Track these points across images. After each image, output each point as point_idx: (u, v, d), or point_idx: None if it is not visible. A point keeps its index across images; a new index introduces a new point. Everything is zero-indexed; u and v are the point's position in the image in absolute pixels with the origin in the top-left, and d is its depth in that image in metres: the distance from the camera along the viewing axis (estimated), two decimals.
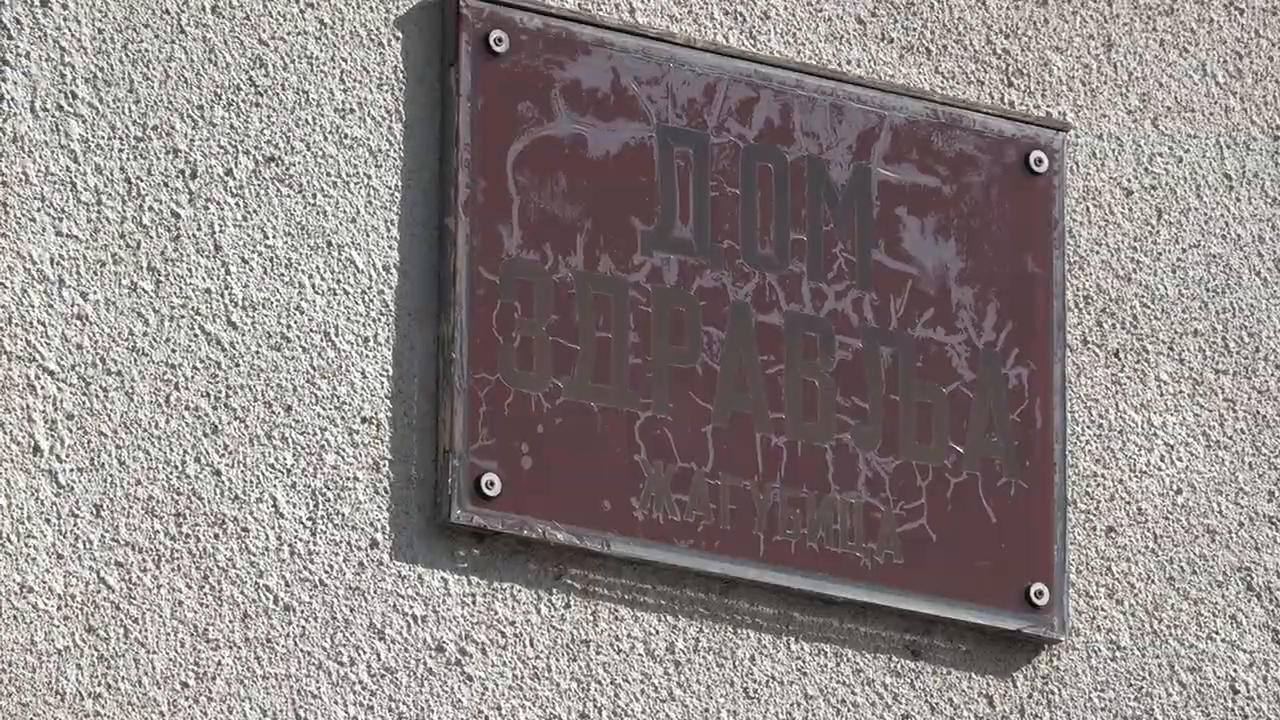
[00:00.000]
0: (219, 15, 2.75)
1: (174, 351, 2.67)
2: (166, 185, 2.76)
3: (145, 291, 2.71)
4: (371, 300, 2.79)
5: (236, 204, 2.77)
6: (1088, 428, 3.06)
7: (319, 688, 2.62)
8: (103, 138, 2.70)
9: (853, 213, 3.00)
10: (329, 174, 2.84)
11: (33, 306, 2.65)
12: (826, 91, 2.96)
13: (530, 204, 2.80)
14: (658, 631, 2.77)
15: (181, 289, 2.67)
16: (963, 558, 2.85)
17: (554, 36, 2.90)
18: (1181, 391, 3.19)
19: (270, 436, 2.69)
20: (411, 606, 2.69)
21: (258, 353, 2.71)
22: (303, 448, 2.70)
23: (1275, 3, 3.63)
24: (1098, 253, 3.14)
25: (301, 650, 2.64)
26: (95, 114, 2.72)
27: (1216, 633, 3.13)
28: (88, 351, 2.74)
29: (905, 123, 3.00)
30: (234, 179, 2.74)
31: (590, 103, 2.88)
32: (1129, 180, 3.27)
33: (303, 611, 2.65)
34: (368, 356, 2.74)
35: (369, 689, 2.60)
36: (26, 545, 2.59)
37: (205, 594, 2.61)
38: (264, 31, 2.77)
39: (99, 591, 2.63)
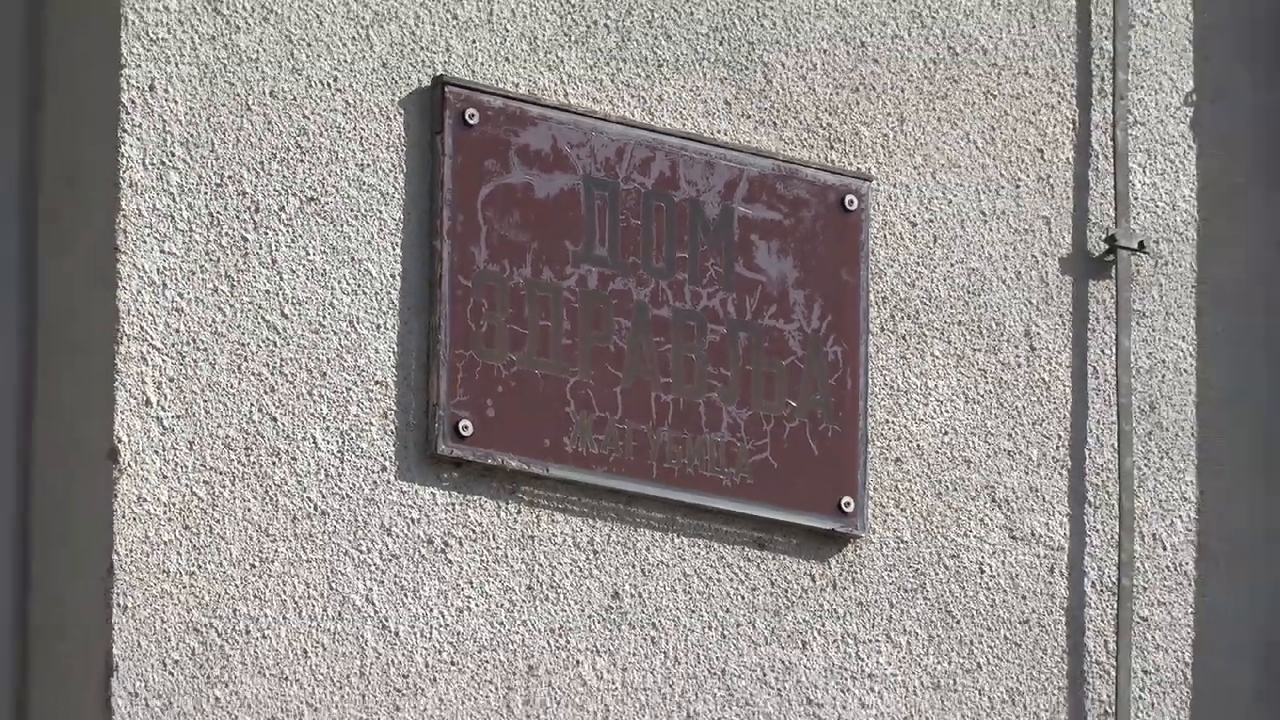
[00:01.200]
0: (275, 97, 3.24)
1: (243, 334, 3.20)
2: (238, 218, 3.26)
3: (223, 293, 3.21)
4: (382, 299, 3.33)
5: (287, 231, 3.31)
6: (883, 389, 3.66)
7: (345, 568, 3.20)
8: (192, 184, 3.22)
9: (720, 238, 3.59)
10: (353, 210, 3.41)
11: (144, 302, 3.14)
12: (702, 152, 3.52)
13: (494, 231, 3.35)
14: (581, 530, 3.35)
15: (248, 291, 3.23)
16: (795, 479, 3.40)
17: (511, 112, 3.46)
18: (949, 364, 3.76)
19: (311, 395, 3.24)
20: (409, 512, 3.28)
21: (302, 336, 3.23)
22: (334, 402, 3.26)
23: (1019, 90, 4.11)
24: (892, 267, 3.77)
25: (333, 543, 3.20)
26: (187, 167, 3.20)
27: (970, 531, 3.70)
28: (182, 334, 3.24)
29: (758, 174, 3.58)
30: (285, 213, 3.25)
31: (536, 159, 3.42)
32: (914, 216, 3.84)
33: (334, 516, 3.18)
34: (380, 339, 3.29)
35: (380, 569, 3.18)
36: (142, 469, 3.12)
37: (266, 503, 3.17)
38: (306, 109, 3.25)
39: (192, 501, 3.18)
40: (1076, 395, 3.97)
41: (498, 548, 3.34)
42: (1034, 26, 4.08)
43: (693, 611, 3.46)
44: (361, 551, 3.18)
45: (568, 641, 3.34)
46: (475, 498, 3.35)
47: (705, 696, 3.47)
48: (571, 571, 3.41)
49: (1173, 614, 3.99)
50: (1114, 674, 3.86)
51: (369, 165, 3.40)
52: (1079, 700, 3.90)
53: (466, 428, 3.21)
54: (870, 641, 3.62)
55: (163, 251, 3.17)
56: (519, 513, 3.36)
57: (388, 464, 3.25)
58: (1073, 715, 3.90)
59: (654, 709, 3.44)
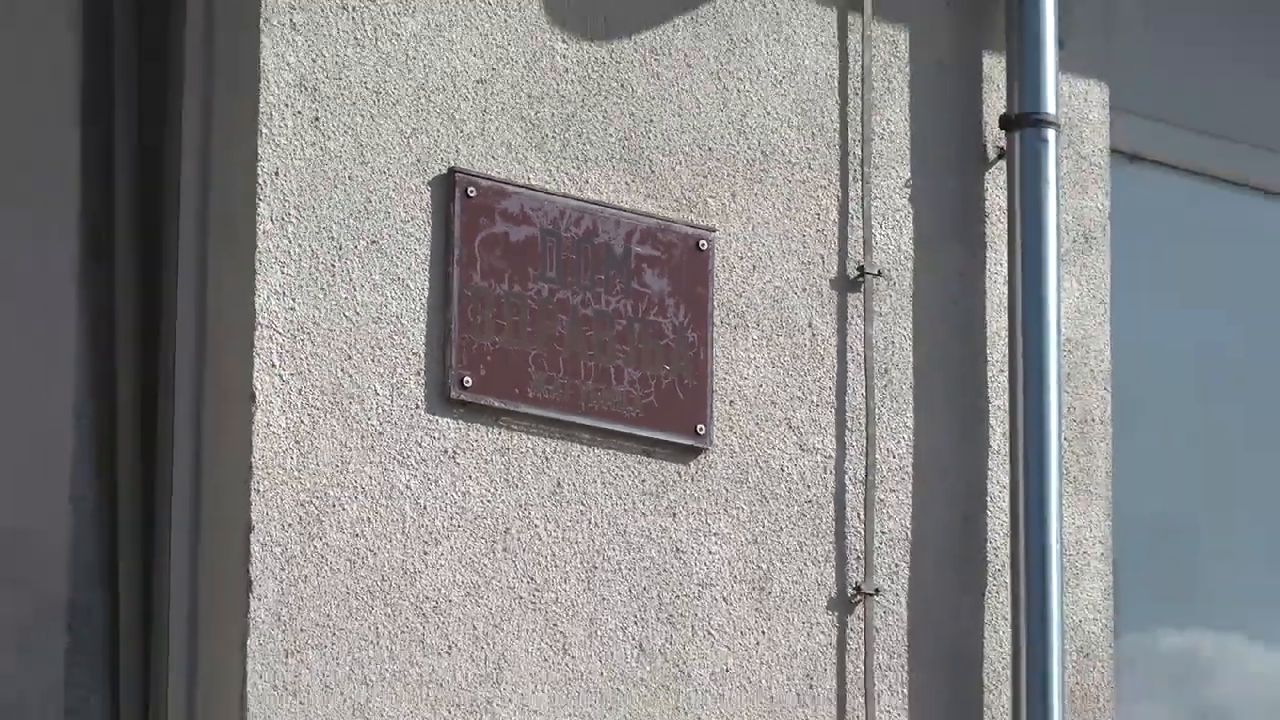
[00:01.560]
0: (351, 180, 4.05)
1: (331, 325, 4.14)
2: (329, 253, 4.08)
3: (319, 299, 4.15)
4: (417, 304, 4.02)
5: (360, 262, 4.06)
6: (722, 360, 4.85)
7: (394, 467, 4.27)
8: (301, 231, 3.78)
9: (624, 267, 4.73)
10: (399, 248, 4.01)
11: (272, 305, 4.07)
12: (613, 214, 4.67)
13: (485, 261, 4.33)
14: (539, 445, 4.56)
15: (337, 300, 4.13)
16: (669, 415, 4.68)
17: (496, 190, 4.39)
18: (762, 345, 4.91)
19: (372, 361, 4.09)
20: (433, 433, 4.44)
21: (367, 325, 3.99)
22: (387, 366, 4.05)
23: (805, 177, 5.22)
24: (728, 284, 4.84)
25: (390, 456, 4.29)
26: (298, 220, 3.99)
27: (776, 446, 4.96)
28: (294, 324, 3.93)
29: (646, 228, 4.76)
30: (358, 250, 3.98)
31: (511, 218, 4.49)
32: (741, 254, 4.55)
33: (387, 435, 4.21)
34: (416, 328, 4.20)
35: (415, 467, 4.34)
36: (269, 406, 3.79)
37: (345, 427, 3.96)
38: (371, 187, 3.92)
39: (300, 426, 3.86)
40: (840, 364, 5.02)
41: (487, 455, 4.52)
42: (814, 138, 4.83)
43: (607, 495, 4.69)
44: (408, 463, 4.36)
45: (529, 513, 4.51)
46: (474, 424, 4.48)
47: (615, 547, 4.65)
48: (531, 470, 4.58)
49: (898, 498, 5.08)
50: (863, 534, 5.00)
51: (410, 220, 4.25)
52: (843, 551, 5.00)
53: (468, 382, 4.40)
54: (715, 513, 4.83)
55: (283, 273, 4.08)
56: (500, 434, 4.52)
57: (420, 403, 4.37)
58: (839, 558, 4.95)
59: (583, 555, 4.61)
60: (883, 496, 5.13)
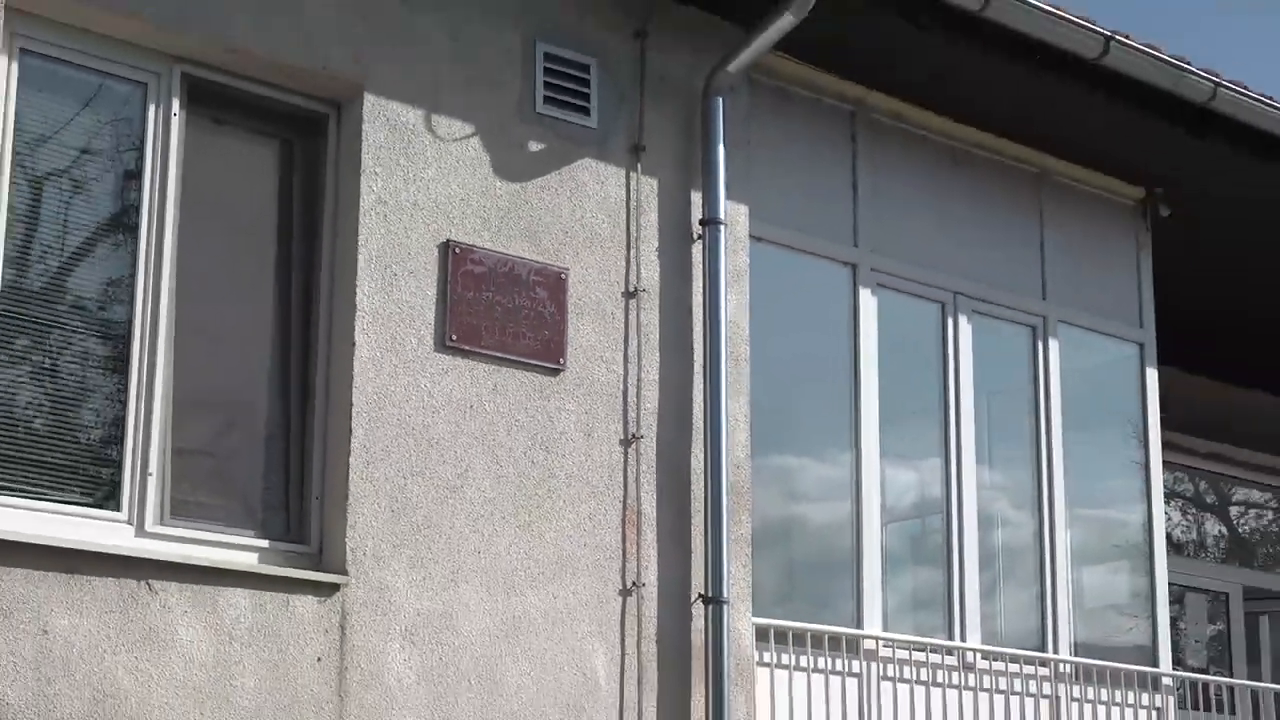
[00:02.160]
0: (397, 248, 6.22)
1: (412, 318, 6.04)
2: (381, 287, 6.09)
3: (403, 331, 6.10)
4: (427, 301, 6.16)
5: (388, 295, 6.08)
6: (571, 333, 6.62)
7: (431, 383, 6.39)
8: (371, 285, 6.04)
9: (527, 284, 6.58)
10: (417, 279, 6.19)
11: (363, 316, 6.12)
12: (519, 261, 6.49)
13: (461, 285, 6.23)
14: (492, 373, 6.46)
15: (383, 308, 6.04)
16: (545, 353, 6.67)
17: (465, 249, 6.33)
18: (592, 319, 6.66)
19: (414, 325, 6.24)
20: (438, 366, 6.42)
21: (400, 318, 6.03)
22: (419, 327, 6.13)
23: (624, 246, 6.99)
24: (575, 294, 6.76)
25: (426, 374, 6.77)
26: (373, 286, 6.05)
27: None
28: (376, 324, 6.11)
29: (534, 268, 6.56)
30: (396, 289, 6.17)
31: (478, 263, 6.32)
32: (579, 281, 6.73)
33: (429, 364, 6.65)
34: (428, 316, 6.13)
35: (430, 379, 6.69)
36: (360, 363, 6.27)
37: (400, 361, 6.22)
38: (403, 257, 6.26)
39: (374, 364, 6.17)
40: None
41: (465, 377, 6.32)
42: (615, 225, 7.10)
43: (513, 393, 6.53)
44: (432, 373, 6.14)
45: (503, 408, 6.34)
46: (455, 358, 6.28)
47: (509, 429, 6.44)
48: (490, 390, 6.36)
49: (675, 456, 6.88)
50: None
51: (420, 272, 6.33)
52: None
53: (454, 339, 6.30)
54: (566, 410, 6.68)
55: (364, 294, 6.12)
56: (470, 366, 6.36)
57: (429, 351, 6.25)
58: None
59: (489, 426, 6.37)
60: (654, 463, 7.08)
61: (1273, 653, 12.45)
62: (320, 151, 6.70)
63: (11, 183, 5.82)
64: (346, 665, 6.03)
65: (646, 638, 6.93)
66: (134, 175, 6.26)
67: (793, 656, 7.63)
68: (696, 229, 7.51)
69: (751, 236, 7.80)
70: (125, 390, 6.04)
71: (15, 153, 5.87)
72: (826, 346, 8.38)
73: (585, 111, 7.20)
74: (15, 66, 5.81)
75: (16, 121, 5.87)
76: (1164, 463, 9.70)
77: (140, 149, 6.24)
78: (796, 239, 8.22)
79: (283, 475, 6.41)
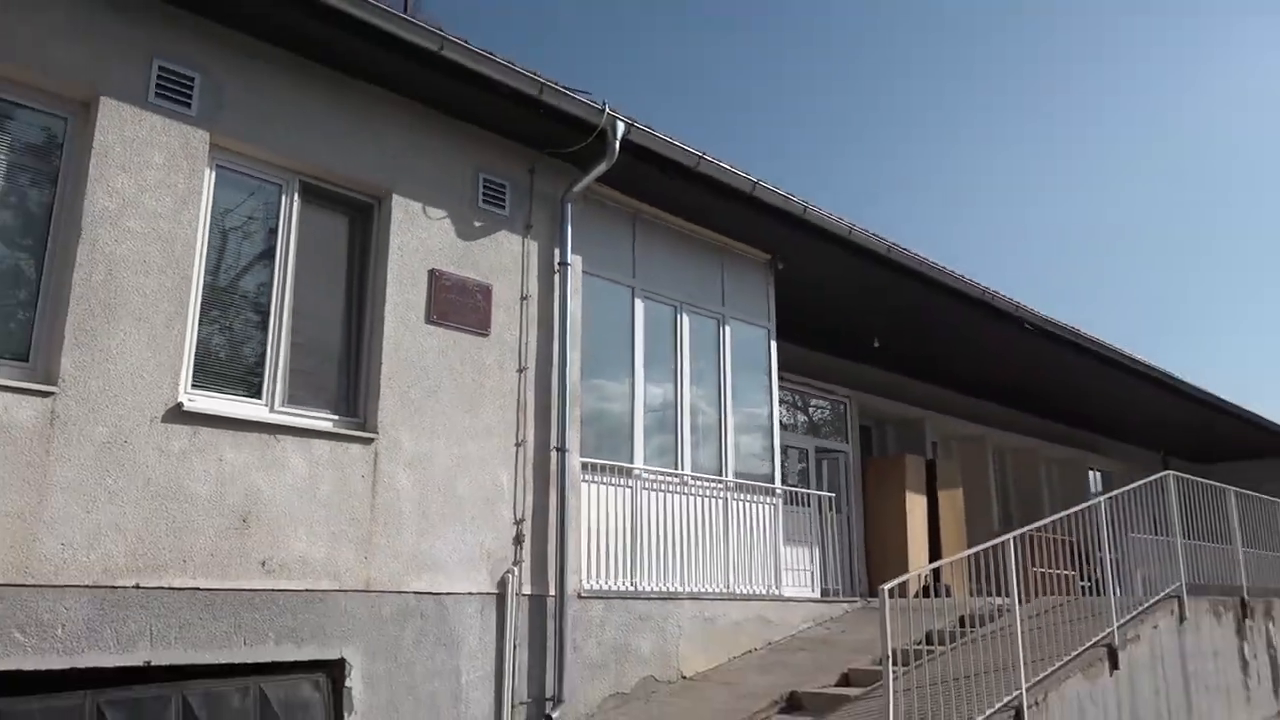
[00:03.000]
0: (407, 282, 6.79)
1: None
2: (405, 302, 6.47)
3: (409, 313, 6.37)
4: (419, 301, 6.21)
5: (408, 302, 6.52)
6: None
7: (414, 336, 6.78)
8: (394, 309, 6.72)
9: (474, 295, 7.33)
10: (413, 286, 6.77)
11: (391, 338, 6.61)
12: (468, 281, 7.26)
13: (440, 289, 6.16)
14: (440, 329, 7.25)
15: (405, 324, 6.64)
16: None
17: (440, 274, 6.18)
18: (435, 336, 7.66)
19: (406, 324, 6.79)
20: (430, 336, 6.93)
21: (410, 329, 6.60)
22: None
23: (498, 285, 7.85)
24: (492, 318, 7.55)
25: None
26: (393, 304, 6.68)
27: None
28: (400, 317, 6.52)
29: (478, 286, 7.38)
30: (407, 323, 6.79)
31: (449, 278, 6.24)
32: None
33: (404, 339, 6.79)
34: (424, 311, 6.66)
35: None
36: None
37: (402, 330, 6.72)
38: (413, 282, 6.70)
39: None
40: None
41: (440, 337, 6.21)
42: (504, 269, 6.90)
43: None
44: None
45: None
46: (435, 327, 6.11)
47: None
48: (452, 344, 6.33)
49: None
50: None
51: (418, 283, 6.20)
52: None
53: (435, 317, 6.18)
54: None
55: (391, 294, 6.27)
56: (443, 332, 6.19)
57: (422, 323, 6.12)
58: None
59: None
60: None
61: (827, 479, 12.82)
62: (371, 220, 6.54)
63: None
64: (377, 478, 6.05)
65: (527, 467, 6.90)
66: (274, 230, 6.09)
67: (600, 477, 7.63)
68: (556, 267, 7.45)
69: (584, 272, 7.73)
70: (266, 341, 5.93)
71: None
72: (617, 329, 8.25)
73: (503, 207, 7.14)
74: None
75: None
76: (778, 385, 9.69)
77: (277, 220, 6.10)
78: (605, 272, 8.12)
79: (347, 385, 6.26)
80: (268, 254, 6.04)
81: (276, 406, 5.83)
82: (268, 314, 5.95)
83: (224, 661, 5.07)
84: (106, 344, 5.03)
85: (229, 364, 5.75)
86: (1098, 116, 63.76)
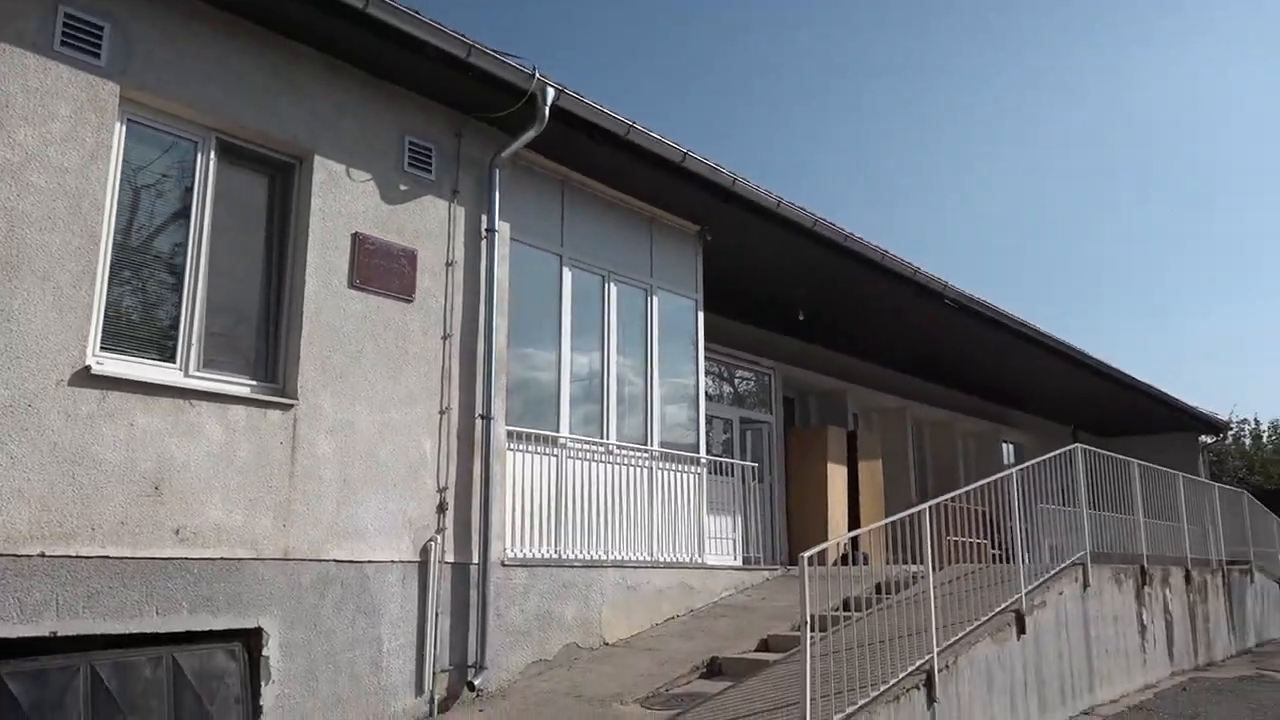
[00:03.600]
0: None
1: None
2: (327, 265, 6.46)
3: (331, 277, 6.50)
4: (342, 268, 6.59)
5: (330, 265, 6.58)
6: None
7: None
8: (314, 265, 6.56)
9: (400, 260, 7.28)
10: (339, 270, 6.87)
11: (314, 293, 6.49)
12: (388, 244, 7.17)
13: (362, 252, 6.08)
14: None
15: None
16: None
17: (363, 238, 6.03)
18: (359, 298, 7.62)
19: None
20: (359, 301, 6.90)
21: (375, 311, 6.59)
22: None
23: (427, 249, 7.45)
24: (418, 284, 7.41)
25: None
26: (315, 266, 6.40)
27: None
28: (322, 280, 6.55)
29: (400, 250, 7.26)
30: (336, 256, 6.64)
31: (369, 242, 6.28)
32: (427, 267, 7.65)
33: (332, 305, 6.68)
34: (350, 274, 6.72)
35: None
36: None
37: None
38: (339, 247, 6.57)
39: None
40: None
41: (363, 302, 6.12)
42: (425, 234, 6.79)
43: None
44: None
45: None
46: (358, 292, 5.99)
47: None
48: (375, 309, 6.31)
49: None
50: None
51: (341, 248, 6.07)
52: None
53: (358, 282, 6.05)
54: None
55: (312, 257, 6.43)
56: (366, 296, 6.08)
57: (345, 288, 6.02)
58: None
59: None
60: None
61: (751, 449, 12.97)
62: (292, 181, 6.35)
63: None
64: (296, 445, 5.97)
65: (451, 435, 6.85)
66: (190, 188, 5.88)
67: (525, 446, 7.60)
68: (484, 234, 7.36)
69: (512, 239, 7.65)
70: (180, 303, 5.75)
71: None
72: (544, 297, 8.21)
73: (429, 171, 7.02)
74: None
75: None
76: (705, 356, 9.74)
77: (193, 178, 5.89)
78: (533, 240, 8.04)
79: (266, 349, 6.11)
80: (183, 213, 5.84)
81: (191, 371, 5.68)
82: (182, 275, 5.75)
83: (135, 631, 4.95)
84: (8, 304, 4.81)
85: (141, 326, 5.57)
86: (1022, 106, 66.06)
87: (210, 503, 5.41)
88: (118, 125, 5.45)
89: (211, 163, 5.94)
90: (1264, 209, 66.44)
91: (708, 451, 9.53)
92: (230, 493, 5.51)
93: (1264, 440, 38.78)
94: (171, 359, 5.61)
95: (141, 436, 5.19)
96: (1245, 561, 13.76)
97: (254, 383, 5.94)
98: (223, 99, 5.87)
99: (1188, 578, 11.21)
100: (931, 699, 5.89)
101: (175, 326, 5.68)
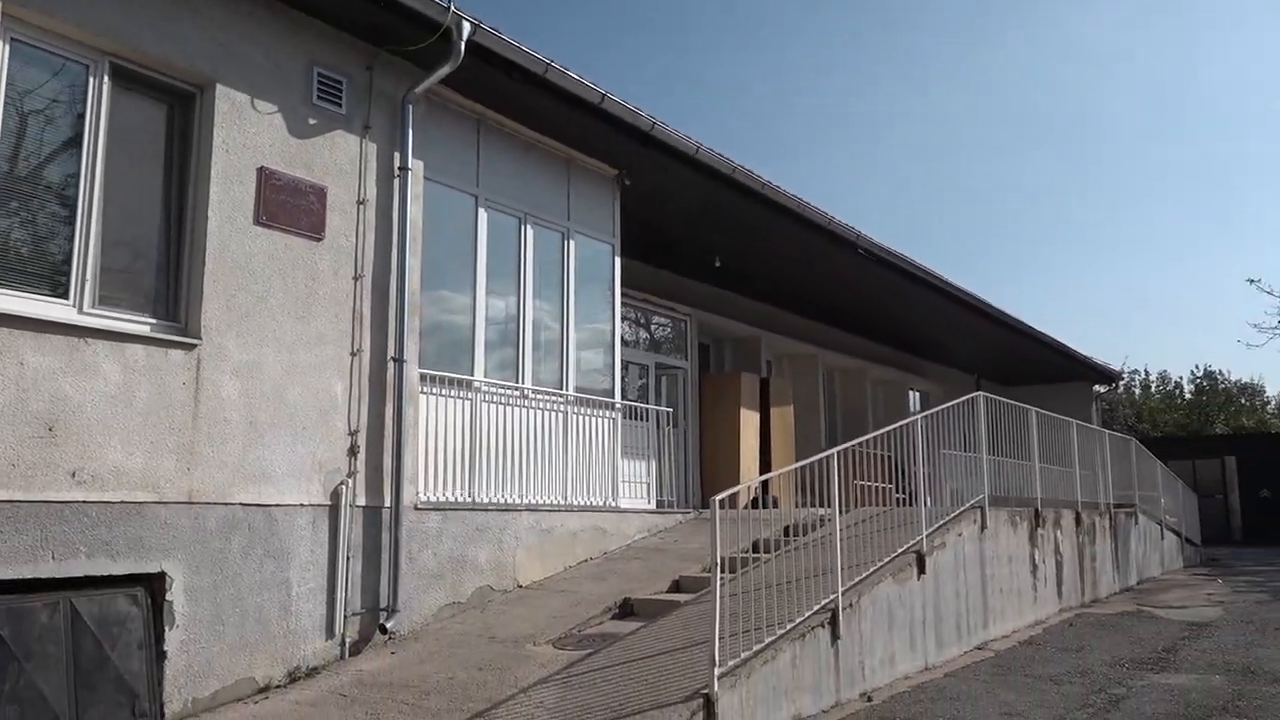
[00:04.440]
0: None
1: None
2: (232, 200, 6.25)
3: (236, 213, 6.36)
4: (249, 201, 6.35)
5: (234, 201, 6.43)
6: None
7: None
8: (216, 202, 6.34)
9: (306, 197, 7.04)
10: (244, 205, 6.65)
11: (218, 226, 6.33)
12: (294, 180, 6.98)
13: (268, 188, 6.35)
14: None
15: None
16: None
17: (270, 172, 6.15)
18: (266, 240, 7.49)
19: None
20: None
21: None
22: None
23: (340, 180, 7.28)
24: (327, 220, 7.35)
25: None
26: (217, 203, 6.33)
27: None
28: (226, 216, 6.23)
29: (311, 185, 7.07)
30: (240, 191, 6.48)
31: (276, 177, 6.14)
32: (333, 202, 7.50)
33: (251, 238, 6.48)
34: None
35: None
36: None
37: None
38: (244, 181, 6.50)
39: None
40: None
41: (270, 240, 6.07)
42: (349, 172, 6.71)
43: None
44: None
45: None
46: (264, 229, 5.86)
47: None
48: (283, 248, 6.14)
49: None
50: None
51: (246, 182, 5.95)
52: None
53: (264, 219, 6.05)
54: None
55: (215, 192, 5.90)
56: (272, 234, 6.02)
57: (250, 225, 5.85)
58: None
59: None
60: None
61: (666, 395, 13.09)
62: (192, 111, 6.08)
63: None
64: (200, 386, 5.82)
65: (363, 378, 6.75)
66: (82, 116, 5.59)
67: (439, 389, 7.53)
68: (396, 171, 7.21)
69: (426, 178, 7.52)
70: (73, 237, 5.48)
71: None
72: (459, 239, 8.04)
73: (340, 105, 6.84)
74: None
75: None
76: (621, 301, 9.77)
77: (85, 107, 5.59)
78: (447, 179, 7.88)
79: (167, 287, 5.89)
80: (74, 142, 5.55)
81: (86, 308, 5.44)
82: (75, 208, 5.48)
83: (29, 577, 4.79)
84: None
85: (30, 260, 5.30)
86: (940, 63, 67.14)
87: (109, 445, 5.24)
88: (1, 45, 5.14)
89: (105, 88, 5.65)
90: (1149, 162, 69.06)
91: (623, 397, 9.58)
92: (130, 434, 5.34)
93: (1152, 390, 40.83)
94: (65, 295, 5.37)
95: (33, 375, 4.97)
96: (1131, 505, 14.42)
97: (154, 321, 5.74)
98: (117, 20, 5.57)
99: (1078, 520, 11.72)
100: (835, 636, 6.09)
101: (68, 261, 5.43)
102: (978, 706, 5.98)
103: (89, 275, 5.48)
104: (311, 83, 6.64)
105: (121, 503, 5.24)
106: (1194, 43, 66.57)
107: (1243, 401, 40.20)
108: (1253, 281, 25.31)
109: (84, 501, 5.07)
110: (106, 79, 5.66)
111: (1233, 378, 40.75)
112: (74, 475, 5.08)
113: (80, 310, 5.41)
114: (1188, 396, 39.77)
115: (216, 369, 5.84)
